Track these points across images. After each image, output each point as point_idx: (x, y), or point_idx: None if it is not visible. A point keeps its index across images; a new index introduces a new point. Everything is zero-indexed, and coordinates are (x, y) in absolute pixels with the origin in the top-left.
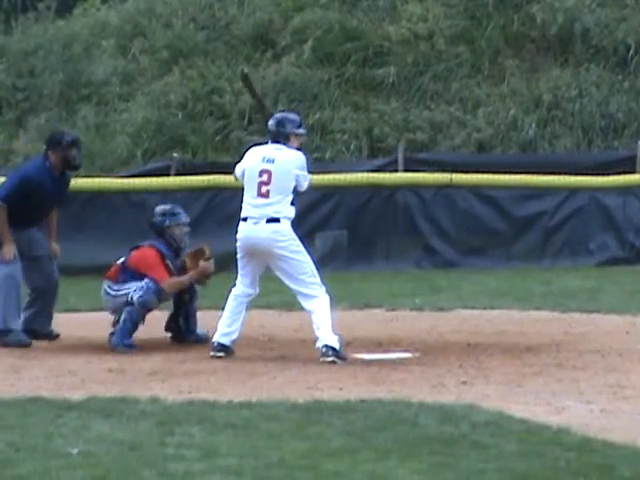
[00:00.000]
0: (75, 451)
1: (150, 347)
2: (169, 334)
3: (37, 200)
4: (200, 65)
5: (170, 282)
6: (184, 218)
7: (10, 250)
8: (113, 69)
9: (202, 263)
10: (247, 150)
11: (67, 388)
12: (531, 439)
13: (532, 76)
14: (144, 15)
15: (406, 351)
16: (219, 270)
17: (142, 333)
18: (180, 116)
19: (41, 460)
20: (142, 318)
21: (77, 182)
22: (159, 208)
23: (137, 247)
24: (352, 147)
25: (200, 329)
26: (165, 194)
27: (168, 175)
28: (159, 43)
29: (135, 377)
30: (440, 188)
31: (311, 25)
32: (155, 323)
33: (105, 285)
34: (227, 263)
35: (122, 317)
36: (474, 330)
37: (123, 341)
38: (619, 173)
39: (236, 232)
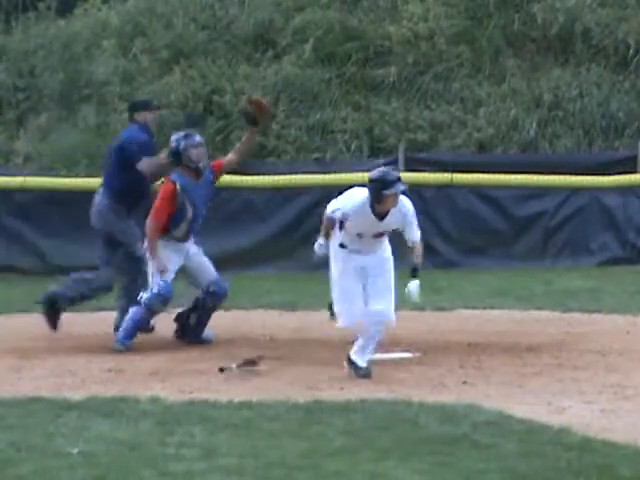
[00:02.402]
0: (75, 451)
1: (150, 347)
2: (175, 325)
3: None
4: (201, 65)
5: (152, 230)
6: (198, 138)
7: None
8: (114, 69)
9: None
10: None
11: (67, 388)
12: (532, 439)
13: (533, 76)
14: (145, 15)
15: (407, 351)
16: (217, 271)
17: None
18: (180, 116)
19: (41, 460)
20: (147, 320)
21: (77, 182)
22: (174, 136)
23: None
24: (353, 147)
25: (207, 332)
26: None
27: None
28: (160, 43)
29: (135, 377)
30: (441, 188)
31: (312, 25)
32: (154, 323)
33: None
34: (227, 263)
35: (128, 315)
36: (475, 330)
37: (124, 340)
38: (620, 173)
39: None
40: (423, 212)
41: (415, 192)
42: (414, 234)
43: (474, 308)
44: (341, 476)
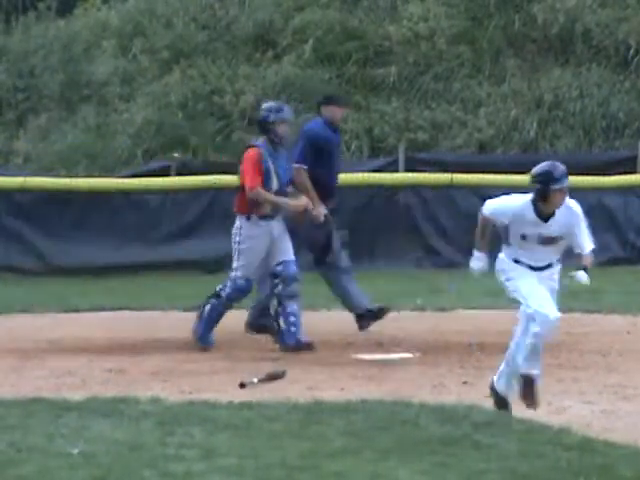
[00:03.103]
0: (76, 451)
1: (150, 347)
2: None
3: (328, 160)
4: (201, 65)
5: (260, 194)
6: (288, 115)
7: (321, 211)
8: (114, 69)
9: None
10: None
11: (67, 388)
12: (532, 439)
13: (533, 76)
14: (145, 15)
15: (407, 351)
16: (217, 272)
17: (142, 333)
18: (180, 116)
19: (42, 460)
20: (225, 312)
21: (77, 182)
22: (265, 104)
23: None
24: (353, 147)
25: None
26: (165, 194)
27: (168, 175)
28: (160, 43)
29: (135, 377)
30: (441, 188)
31: (312, 25)
32: (155, 323)
33: None
34: (227, 263)
35: (207, 308)
36: (475, 330)
37: (206, 336)
38: (620, 173)
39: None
40: (423, 212)
41: (415, 192)
42: (584, 242)
43: (474, 308)
44: (342, 477)
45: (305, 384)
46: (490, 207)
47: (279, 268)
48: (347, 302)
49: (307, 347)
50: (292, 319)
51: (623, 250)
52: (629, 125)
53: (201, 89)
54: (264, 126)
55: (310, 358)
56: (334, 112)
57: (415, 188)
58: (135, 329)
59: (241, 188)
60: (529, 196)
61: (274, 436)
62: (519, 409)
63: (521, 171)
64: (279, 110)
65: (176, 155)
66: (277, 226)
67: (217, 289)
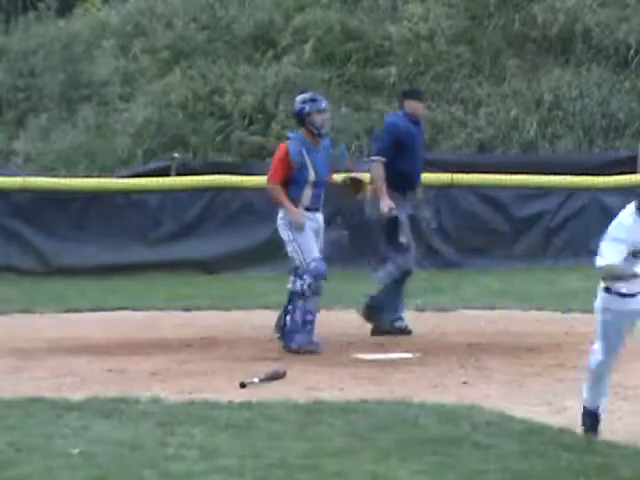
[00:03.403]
0: (76, 451)
1: (150, 347)
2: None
3: (409, 152)
4: (201, 65)
5: (275, 190)
6: (324, 104)
7: (387, 204)
8: (114, 69)
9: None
10: None
11: (68, 388)
12: (532, 439)
13: (533, 76)
14: (145, 15)
15: (407, 351)
16: (217, 272)
17: (142, 333)
18: (181, 116)
19: (42, 460)
20: (315, 305)
21: (77, 182)
22: (300, 96)
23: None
24: (353, 147)
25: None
26: (165, 194)
27: (169, 175)
28: (160, 43)
29: (135, 377)
30: (441, 188)
31: (312, 25)
32: (155, 323)
33: None
34: (227, 263)
35: (297, 315)
36: (475, 330)
37: (309, 340)
38: (620, 173)
39: (243, 234)
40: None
41: None
42: None
43: (474, 308)
44: (342, 477)
45: (305, 384)
46: (609, 250)
47: (311, 264)
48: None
49: (316, 348)
50: (309, 317)
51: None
52: (629, 125)
53: (201, 89)
54: (301, 118)
55: (310, 358)
56: (414, 106)
57: None
58: (135, 329)
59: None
60: (632, 207)
61: (274, 436)
62: (519, 409)
63: (521, 171)
64: (314, 100)
65: (176, 155)
66: (320, 218)
67: (297, 289)
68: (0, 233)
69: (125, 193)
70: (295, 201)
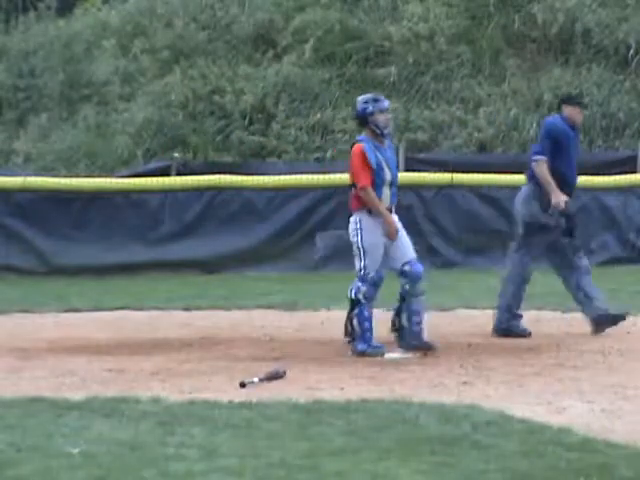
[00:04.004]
0: (76, 451)
1: (150, 347)
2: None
3: (566, 154)
4: (201, 65)
5: (369, 194)
6: (386, 104)
7: (562, 198)
8: (114, 69)
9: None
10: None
11: (68, 388)
12: (532, 439)
13: (533, 76)
14: (145, 15)
15: (407, 351)
16: (217, 272)
17: (142, 333)
18: (181, 116)
19: (42, 460)
20: (372, 312)
21: (77, 182)
22: (361, 97)
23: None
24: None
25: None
26: (165, 194)
27: (169, 175)
28: (160, 43)
29: (136, 377)
30: (441, 188)
31: (312, 25)
32: (155, 323)
33: None
34: (227, 263)
35: (355, 323)
36: (475, 330)
37: (370, 346)
38: (620, 173)
39: (243, 234)
40: (423, 212)
41: (415, 192)
42: None
43: (474, 308)
44: (342, 476)
45: (305, 384)
46: None
47: (406, 268)
48: (584, 302)
49: (429, 347)
50: (416, 319)
51: (623, 250)
52: (629, 125)
53: (201, 89)
54: (364, 119)
55: (310, 358)
56: (572, 112)
57: (415, 188)
58: (135, 329)
59: (354, 185)
60: None
61: (274, 436)
62: (519, 409)
63: (521, 171)
64: (376, 100)
65: (176, 155)
66: (395, 220)
67: (352, 297)
68: (0, 233)
69: (125, 193)
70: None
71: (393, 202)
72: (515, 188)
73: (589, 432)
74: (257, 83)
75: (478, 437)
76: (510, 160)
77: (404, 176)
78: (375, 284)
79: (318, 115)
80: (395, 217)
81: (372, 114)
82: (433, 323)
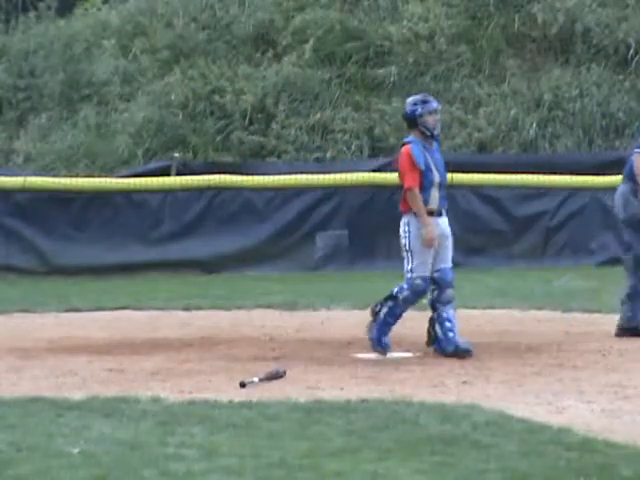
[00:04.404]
0: (76, 451)
1: (150, 347)
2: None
3: None
4: (201, 65)
5: (415, 196)
6: (435, 104)
7: None
8: (114, 69)
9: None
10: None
11: (68, 388)
12: (532, 439)
13: (533, 76)
14: (145, 15)
15: (407, 351)
16: (217, 272)
17: (142, 333)
18: (181, 116)
19: (42, 460)
20: (402, 314)
21: (77, 182)
22: (410, 98)
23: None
24: (353, 147)
25: (461, 340)
26: (166, 194)
27: (169, 175)
28: (160, 43)
29: (136, 377)
30: None
31: (312, 25)
32: (155, 323)
33: None
34: (227, 263)
35: (384, 311)
36: (475, 330)
37: (381, 339)
38: (620, 173)
39: (243, 234)
40: None
41: None
42: None
43: (474, 308)
44: (342, 476)
45: (305, 384)
46: None
47: (436, 275)
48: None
49: (466, 352)
50: (448, 325)
51: (623, 250)
52: (629, 125)
53: (201, 89)
54: (413, 120)
55: (310, 358)
56: None
57: None
58: (135, 329)
59: (403, 187)
60: None
61: (274, 435)
62: (519, 409)
63: (521, 171)
64: (425, 102)
65: (176, 155)
66: (444, 222)
67: (393, 292)
68: (0, 233)
69: (125, 193)
70: (425, 206)
71: (443, 205)
72: (515, 188)
73: (589, 432)
74: (257, 83)
75: (478, 437)
76: (510, 160)
77: None
78: (417, 294)
79: (318, 115)
80: (445, 220)
81: (421, 116)
82: None
